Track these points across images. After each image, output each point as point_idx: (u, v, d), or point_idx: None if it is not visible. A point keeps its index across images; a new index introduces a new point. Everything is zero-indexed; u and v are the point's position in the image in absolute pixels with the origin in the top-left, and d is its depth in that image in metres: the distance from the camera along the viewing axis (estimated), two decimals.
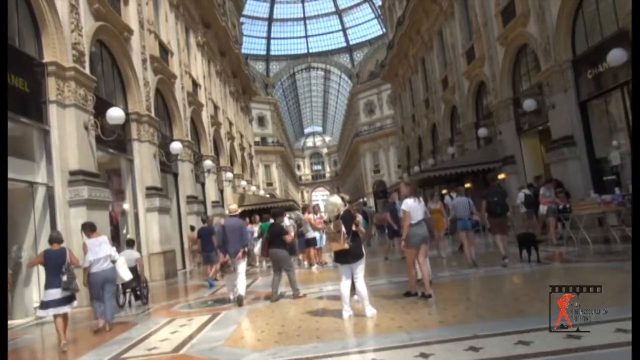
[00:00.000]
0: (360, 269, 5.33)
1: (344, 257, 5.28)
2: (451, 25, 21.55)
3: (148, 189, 13.04)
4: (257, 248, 8.28)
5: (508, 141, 17.06)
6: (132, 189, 12.88)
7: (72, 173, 9.13)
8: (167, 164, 15.03)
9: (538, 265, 7.67)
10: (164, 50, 16.10)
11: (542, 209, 10.48)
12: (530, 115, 15.74)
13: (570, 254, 8.51)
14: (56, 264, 5.78)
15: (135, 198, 12.85)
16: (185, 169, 16.88)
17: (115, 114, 9.68)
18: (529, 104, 14.07)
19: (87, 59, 10.01)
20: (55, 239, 6.07)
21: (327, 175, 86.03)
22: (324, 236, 11.81)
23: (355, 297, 6.01)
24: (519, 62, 16.40)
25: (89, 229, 6.79)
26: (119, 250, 7.64)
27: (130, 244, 9.03)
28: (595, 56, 11.82)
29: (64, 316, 5.77)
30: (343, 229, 5.14)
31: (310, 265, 11.42)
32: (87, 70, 9.92)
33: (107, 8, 11.32)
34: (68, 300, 5.78)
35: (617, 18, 10.95)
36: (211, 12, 22.81)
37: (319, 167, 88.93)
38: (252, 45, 58.90)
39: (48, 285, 5.76)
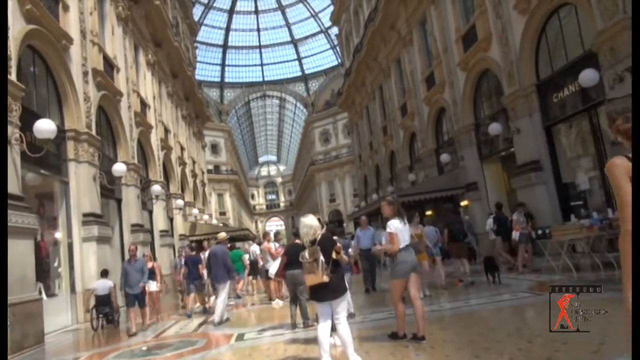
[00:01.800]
0: (342, 307, 4.33)
1: (322, 293, 4.25)
2: (410, 51, 21.50)
3: (85, 215, 11.52)
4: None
5: (470, 167, 16.76)
6: (67, 215, 11.32)
7: None
8: (110, 188, 13.53)
9: (533, 296, 6.94)
10: (109, 65, 14.79)
11: (515, 235, 9.97)
12: (492, 141, 15.56)
13: (556, 283, 7.85)
14: None
15: (70, 226, 11.29)
16: (130, 195, 15.36)
17: (44, 126, 8.33)
18: (494, 128, 13.79)
19: (13, 64, 8.67)
20: None
21: (282, 204, 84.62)
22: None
23: (332, 340, 4.99)
24: (480, 87, 16.30)
25: None
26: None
27: (104, 274, 10.01)
28: (560, 80, 11.68)
29: None
30: (321, 257, 4.17)
31: (270, 299, 10.24)
32: (13, 77, 8.56)
33: (41, 11, 10.04)
34: None
35: (582, 40, 10.88)
36: (163, 31, 21.72)
37: (274, 197, 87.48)
38: (206, 71, 57.78)
39: None
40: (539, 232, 9.17)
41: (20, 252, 7.97)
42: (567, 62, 11.47)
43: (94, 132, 12.35)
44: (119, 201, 14.98)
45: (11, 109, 8.36)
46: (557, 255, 9.05)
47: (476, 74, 15.87)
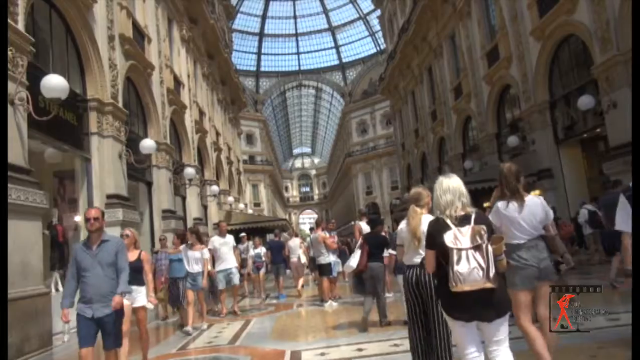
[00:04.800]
0: (503, 330, 2.59)
1: (477, 307, 2.51)
2: (467, 25, 19.29)
3: (109, 197, 10.11)
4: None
5: (543, 152, 14.55)
6: (89, 196, 9.94)
7: None
8: (138, 168, 12.15)
9: None
10: (139, 33, 13.39)
11: None
12: (572, 121, 13.39)
13: None
14: None
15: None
16: (161, 178, 13.98)
17: (54, 81, 6.81)
18: (585, 102, 11.57)
19: (20, 10, 7.24)
20: None
21: (316, 197, 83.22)
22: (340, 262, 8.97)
23: None
24: (558, 58, 14.04)
25: None
26: None
27: None
28: None
29: None
30: (488, 245, 2.40)
31: (322, 301, 8.52)
32: (20, 26, 7.13)
33: None
34: None
35: None
36: (198, 5, 20.26)
37: (307, 189, 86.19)
38: (241, 60, 56.60)
39: None
40: None
41: (22, 236, 6.53)
42: None
43: (120, 104, 10.94)
44: (149, 184, 13.63)
45: (16, 64, 6.92)
46: None
47: (554, 42, 13.62)
